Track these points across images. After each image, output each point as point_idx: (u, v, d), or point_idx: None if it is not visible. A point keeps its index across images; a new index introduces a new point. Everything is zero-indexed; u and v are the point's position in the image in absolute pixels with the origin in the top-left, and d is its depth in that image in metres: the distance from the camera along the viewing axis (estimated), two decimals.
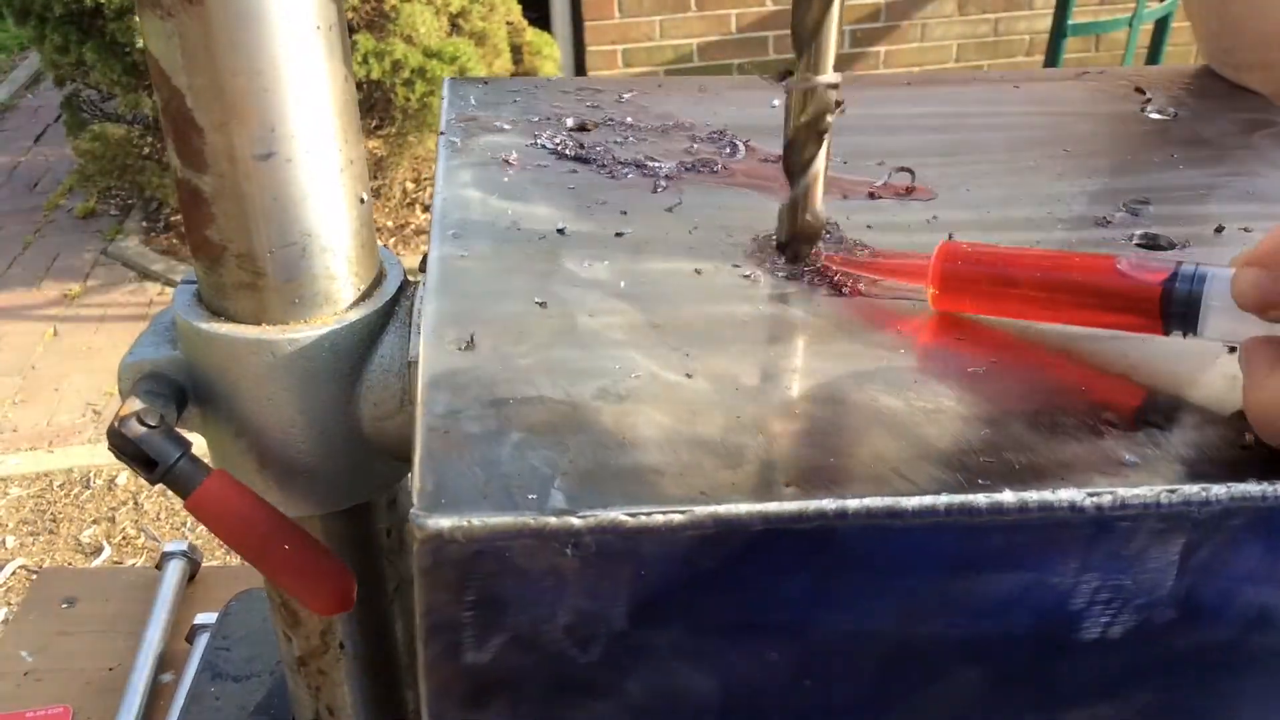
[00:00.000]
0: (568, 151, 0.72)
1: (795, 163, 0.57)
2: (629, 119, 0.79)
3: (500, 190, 0.66)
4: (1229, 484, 0.42)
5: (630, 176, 0.70)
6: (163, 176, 3.47)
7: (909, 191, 0.68)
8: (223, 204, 0.56)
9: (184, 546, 1.20)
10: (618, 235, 0.62)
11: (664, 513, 0.40)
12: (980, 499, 0.41)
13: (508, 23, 3.69)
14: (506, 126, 0.77)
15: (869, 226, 0.63)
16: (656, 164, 0.71)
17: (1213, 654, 0.46)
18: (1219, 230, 0.63)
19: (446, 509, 0.41)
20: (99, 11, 3.16)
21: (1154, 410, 0.47)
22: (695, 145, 0.75)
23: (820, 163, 0.57)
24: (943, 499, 0.41)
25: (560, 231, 0.62)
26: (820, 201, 0.58)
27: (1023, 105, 0.84)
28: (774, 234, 0.61)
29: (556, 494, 0.41)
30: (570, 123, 0.77)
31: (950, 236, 0.60)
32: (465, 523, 0.40)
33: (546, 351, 0.50)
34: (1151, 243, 0.61)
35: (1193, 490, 0.42)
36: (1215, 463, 0.44)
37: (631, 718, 0.45)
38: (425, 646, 0.43)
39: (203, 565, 1.21)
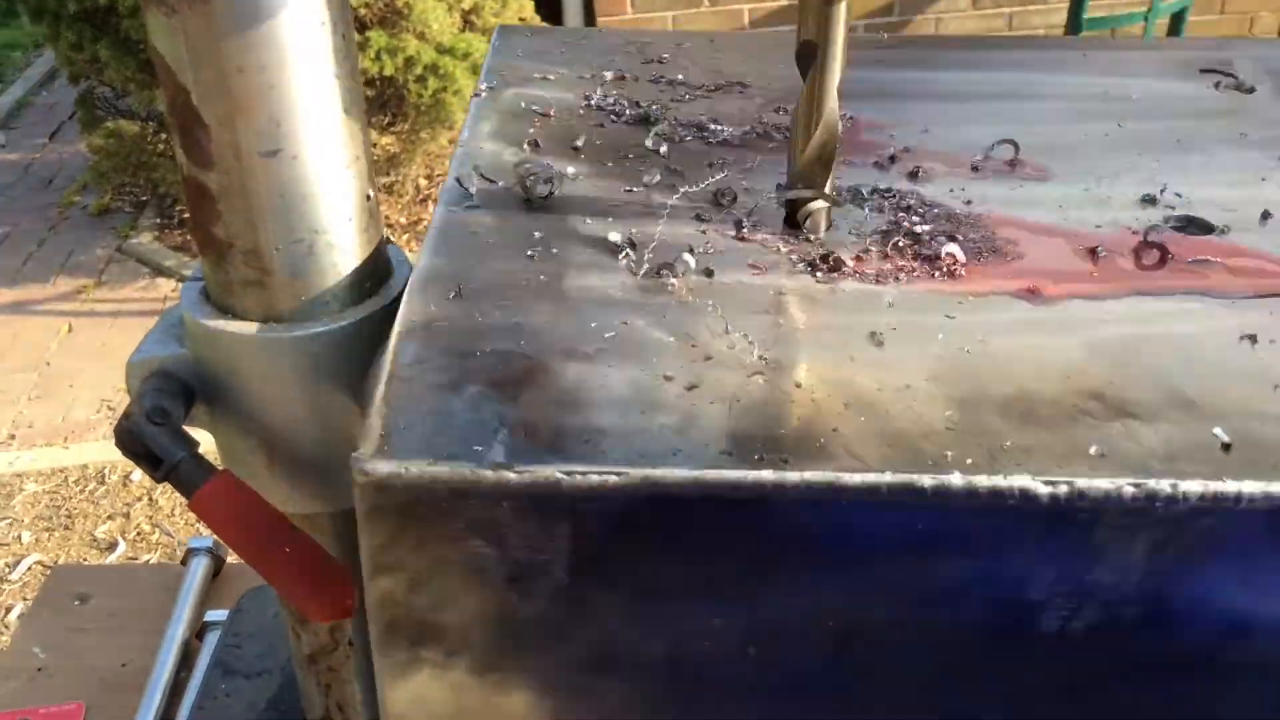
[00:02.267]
0: (622, 110, 0.71)
1: (809, 45, 0.48)
2: (680, 76, 0.77)
3: (522, 143, 0.65)
4: (1202, 481, 0.40)
5: (688, 139, 0.67)
6: (176, 173, 3.46)
7: (1012, 166, 0.65)
8: (229, 201, 0.56)
9: (208, 543, 1.19)
10: (627, 191, 0.61)
11: (599, 473, 0.40)
12: (926, 480, 0.40)
13: (520, 18, 3.69)
14: (551, 78, 0.76)
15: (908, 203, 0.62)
16: (719, 126, 0.69)
17: (1186, 661, 0.44)
18: (1265, 217, 0.60)
19: (389, 455, 0.41)
20: (113, 9, 3.17)
21: (1137, 404, 0.45)
22: (756, 110, 0.72)
23: (839, 49, 0.50)
24: (886, 478, 0.40)
25: (570, 180, 0.61)
26: (836, 100, 0.52)
27: (1084, 75, 0.80)
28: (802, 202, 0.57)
29: (498, 447, 0.41)
30: (609, 75, 0.75)
31: (960, 216, 0.59)
32: (404, 469, 0.41)
33: (527, 307, 0.50)
34: (1189, 224, 0.59)
35: (1160, 485, 0.40)
36: (1190, 460, 0.41)
37: (575, 674, 0.45)
38: (368, 587, 0.43)
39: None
